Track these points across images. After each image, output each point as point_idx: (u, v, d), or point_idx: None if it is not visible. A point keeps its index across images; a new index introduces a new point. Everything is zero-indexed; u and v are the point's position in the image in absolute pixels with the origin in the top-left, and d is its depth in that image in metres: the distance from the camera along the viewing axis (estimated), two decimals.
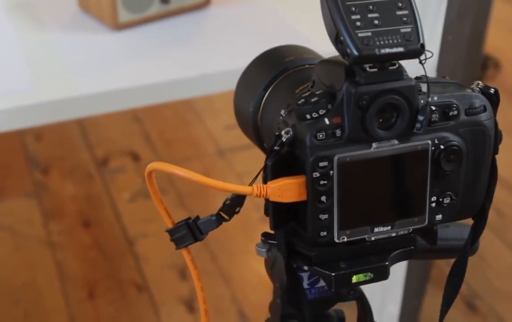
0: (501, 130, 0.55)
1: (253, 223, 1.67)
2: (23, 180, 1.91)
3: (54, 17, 1.20)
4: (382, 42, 0.47)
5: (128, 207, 1.81)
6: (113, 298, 1.57)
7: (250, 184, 0.50)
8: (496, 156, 0.55)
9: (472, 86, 0.54)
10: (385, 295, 1.13)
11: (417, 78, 0.52)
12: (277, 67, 0.59)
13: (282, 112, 0.53)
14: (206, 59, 1.10)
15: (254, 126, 0.60)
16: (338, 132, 0.49)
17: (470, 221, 0.58)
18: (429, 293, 1.38)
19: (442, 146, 0.51)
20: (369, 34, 0.47)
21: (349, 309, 0.63)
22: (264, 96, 0.58)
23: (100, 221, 1.78)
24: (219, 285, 1.60)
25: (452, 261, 0.58)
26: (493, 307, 1.55)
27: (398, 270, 1.15)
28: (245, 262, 1.66)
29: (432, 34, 0.88)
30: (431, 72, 0.99)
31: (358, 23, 0.48)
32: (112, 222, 1.77)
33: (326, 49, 0.51)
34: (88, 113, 1.07)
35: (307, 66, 0.58)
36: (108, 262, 1.66)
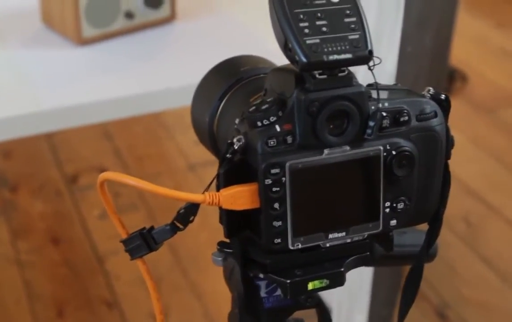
0: (453, 136, 0.55)
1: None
2: None
3: (17, 32, 1.20)
4: (330, 49, 0.48)
5: (98, 224, 1.80)
6: (83, 317, 1.55)
7: (203, 192, 0.50)
8: (449, 161, 0.55)
9: (423, 93, 0.54)
10: (352, 305, 1.13)
11: (369, 85, 0.52)
12: (232, 77, 0.59)
13: (236, 121, 0.53)
14: (170, 74, 1.10)
15: (210, 136, 0.60)
16: (289, 139, 0.49)
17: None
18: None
19: (393, 152, 0.51)
20: (317, 41, 0.48)
21: (311, 320, 0.63)
22: (219, 106, 0.59)
23: (70, 238, 1.76)
24: (191, 300, 1.58)
25: None
26: (463, 317, 1.56)
27: (365, 279, 1.15)
28: (217, 276, 1.63)
29: (389, 45, 0.87)
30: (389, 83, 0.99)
31: (306, 31, 0.48)
32: (82, 239, 1.75)
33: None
34: (50, 128, 1.07)
35: (262, 75, 0.58)
36: (78, 279, 1.64)
